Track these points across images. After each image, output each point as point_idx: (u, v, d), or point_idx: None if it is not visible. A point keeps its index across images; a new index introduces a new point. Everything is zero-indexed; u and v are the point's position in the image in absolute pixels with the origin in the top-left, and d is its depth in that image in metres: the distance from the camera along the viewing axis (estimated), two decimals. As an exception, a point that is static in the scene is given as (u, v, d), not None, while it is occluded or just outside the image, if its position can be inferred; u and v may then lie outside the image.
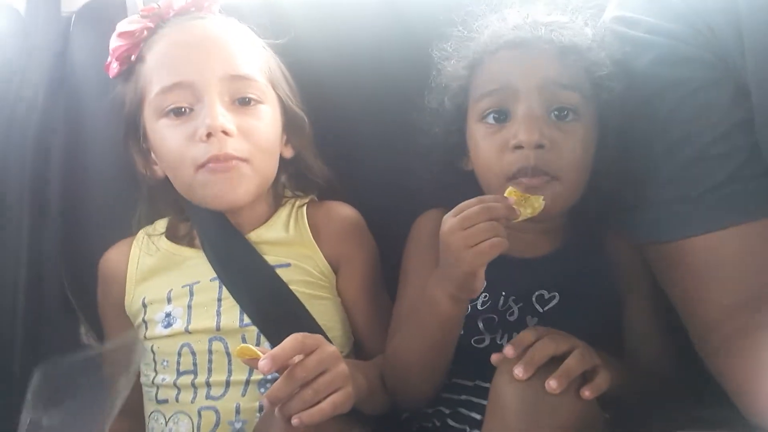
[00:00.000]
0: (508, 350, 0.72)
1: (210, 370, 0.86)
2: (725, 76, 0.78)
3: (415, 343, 0.81)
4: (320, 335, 0.78)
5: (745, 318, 0.75)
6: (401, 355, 0.83)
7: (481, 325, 0.83)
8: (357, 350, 0.93)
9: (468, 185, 0.86)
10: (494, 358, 0.74)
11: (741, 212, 0.78)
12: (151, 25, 0.91)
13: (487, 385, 0.76)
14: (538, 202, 0.76)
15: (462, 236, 0.71)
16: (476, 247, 0.71)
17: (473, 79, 0.84)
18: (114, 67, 0.92)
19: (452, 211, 0.74)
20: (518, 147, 0.78)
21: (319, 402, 0.71)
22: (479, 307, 0.83)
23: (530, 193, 0.76)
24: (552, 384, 0.68)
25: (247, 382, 0.85)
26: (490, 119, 0.82)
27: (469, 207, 0.73)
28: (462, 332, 0.82)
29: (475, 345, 0.84)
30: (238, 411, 0.84)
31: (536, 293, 0.84)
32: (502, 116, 0.81)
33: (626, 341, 0.87)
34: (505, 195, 0.75)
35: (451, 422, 0.82)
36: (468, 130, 0.85)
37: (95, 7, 1.06)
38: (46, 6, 1.06)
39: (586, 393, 0.70)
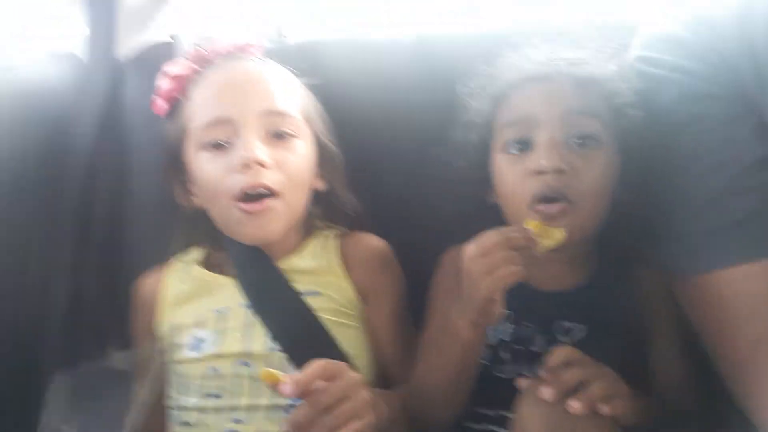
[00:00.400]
0: (543, 373, 0.72)
1: (235, 394, 0.87)
2: (747, 112, 0.79)
3: (437, 370, 0.82)
4: (344, 363, 0.79)
5: None
6: (424, 381, 0.84)
7: (505, 355, 0.84)
8: (381, 380, 0.93)
9: (493, 219, 0.87)
10: (521, 381, 0.74)
11: (766, 246, 0.77)
12: (197, 68, 0.96)
13: (509, 414, 0.75)
14: (559, 233, 0.77)
15: (481, 263, 0.73)
16: (494, 273, 0.73)
17: (497, 113, 0.87)
18: (161, 106, 0.98)
19: (475, 240, 0.76)
20: (540, 172, 0.80)
21: (339, 429, 0.71)
22: (504, 338, 0.84)
23: (549, 221, 0.78)
24: (574, 404, 0.68)
25: (272, 408, 0.86)
26: (513, 149, 0.84)
27: (490, 237, 0.75)
28: (486, 362, 0.83)
29: (499, 375, 0.84)
30: None
31: (560, 325, 0.84)
32: (525, 146, 0.83)
33: (652, 376, 0.86)
34: (525, 226, 0.77)
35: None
36: (493, 163, 0.87)
37: (148, 53, 1.14)
38: (104, 51, 1.13)
39: (604, 408, 0.69)
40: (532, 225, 0.77)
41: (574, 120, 0.81)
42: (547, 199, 0.80)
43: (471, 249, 0.75)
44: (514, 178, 0.83)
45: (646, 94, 0.84)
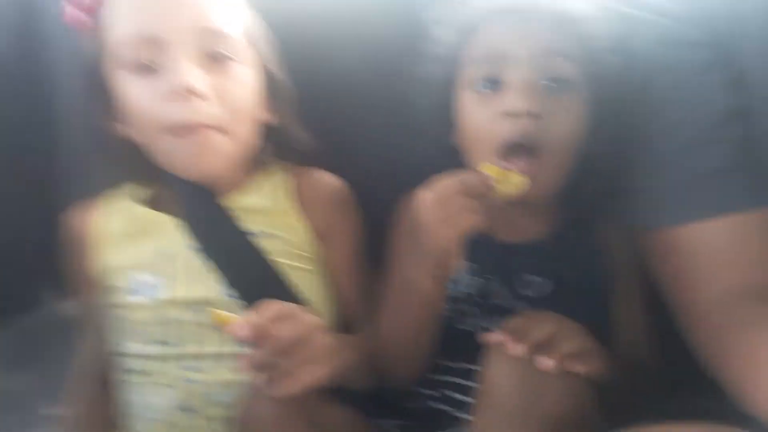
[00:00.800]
0: (501, 334, 0.70)
1: (182, 341, 0.82)
2: (725, 63, 0.78)
3: (396, 323, 0.80)
4: (300, 306, 0.75)
5: (736, 309, 0.75)
6: (385, 334, 0.82)
7: (466, 307, 0.82)
8: (341, 325, 0.90)
9: (456, 161, 0.83)
10: (487, 336, 0.72)
11: (735, 202, 0.77)
12: None
13: (472, 367, 0.75)
14: (519, 179, 0.74)
15: (437, 212, 0.71)
16: (450, 222, 0.70)
17: (464, 46, 0.81)
18: (75, 16, 0.84)
19: (429, 187, 0.72)
20: (510, 114, 0.76)
21: (299, 373, 0.68)
22: (464, 290, 0.82)
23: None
24: (545, 362, 0.67)
25: (222, 356, 0.82)
26: (482, 87, 0.79)
27: (446, 183, 0.71)
28: (449, 315, 0.81)
29: (460, 327, 0.82)
30: (223, 384, 0.81)
31: (522, 277, 0.83)
32: (494, 85, 0.78)
33: (614, 332, 0.86)
34: (484, 171, 0.73)
35: (435, 405, 0.81)
36: (457, 101, 0.82)
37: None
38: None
39: (578, 366, 0.69)
40: (490, 170, 0.74)
41: (548, 60, 0.77)
42: (515, 150, 0.76)
43: (426, 196, 0.72)
44: (481, 119, 0.78)
45: (623, 34, 0.80)
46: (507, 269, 0.82)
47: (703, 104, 0.78)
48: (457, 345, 0.81)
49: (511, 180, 0.74)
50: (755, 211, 0.77)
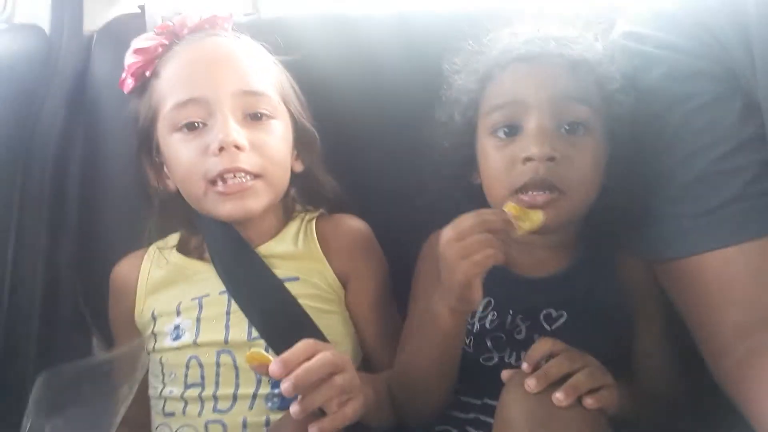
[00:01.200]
0: (526, 367, 0.72)
1: (217, 384, 0.86)
2: (734, 90, 0.78)
3: (419, 358, 0.81)
4: (329, 344, 0.78)
5: (758, 337, 0.73)
6: (407, 370, 0.83)
7: (489, 343, 0.83)
8: (365, 365, 0.93)
9: (477, 200, 0.86)
10: (505, 374, 0.74)
11: (752, 229, 0.76)
12: (165, 42, 0.92)
13: (494, 403, 0.75)
14: (537, 216, 0.76)
15: (457, 247, 0.72)
16: (470, 257, 0.71)
17: (483, 93, 0.84)
18: (129, 83, 0.94)
19: (451, 224, 0.74)
20: (529, 160, 0.78)
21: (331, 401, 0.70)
22: (487, 326, 0.83)
23: (535, 206, 0.77)
24: (559, 396, 0.68)
25: (254, 396, 0.85)
26: (501, 133, 0.81)
27: (465, 220, 0.73)
28: (471, 350, 0.82)
29: (484, 363, 0.83)
30: (245, 425, 0.84)
31: (544, 312, 0.83)
32: (513, 130, 0.80)
33: (636, 362, 0.86)
34: (504, 209, 0.75)
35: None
36: (478, 144, 0.85)
37: (117, 25, 1.09)
38: (70, 24, 1.09)
39: (589, 401, 0.69)
40: (510, 208, 0.76)
41: (564, 105, 0.79)
42: (534, 188, 0.78)
43: (446, 233, 0.74)
44: (500, 163, 0.80)
45: (633, 71, 0.82)
46: (529, 304, 0.83)
47: (716, 135, 0.78)
48: (480, 381, 0.81)
49: (530, 217, 0.76)
50: None
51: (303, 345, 0.72)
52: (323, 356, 0.71)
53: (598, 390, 0.71)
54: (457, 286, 0.73)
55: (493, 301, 0.82)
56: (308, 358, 0.70)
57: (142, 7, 1.07)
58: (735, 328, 0.76)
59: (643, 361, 0.85)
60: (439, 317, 0.77)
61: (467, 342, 0.83)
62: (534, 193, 0.78)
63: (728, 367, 0.76)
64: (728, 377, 0.76)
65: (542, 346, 0.73)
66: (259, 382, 0.85)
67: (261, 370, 0.72)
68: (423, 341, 0.80)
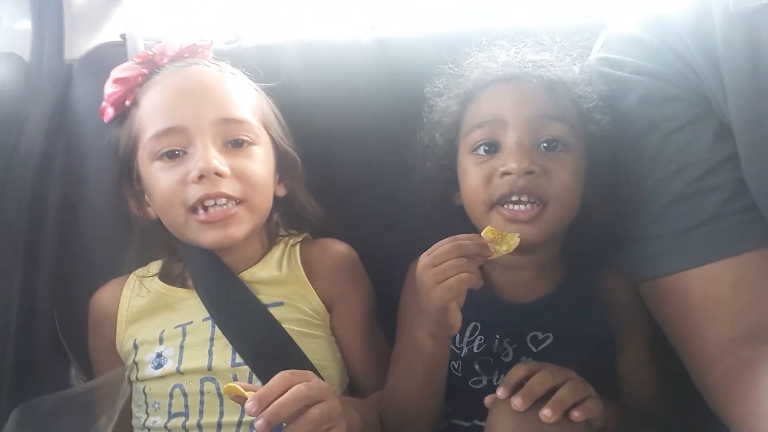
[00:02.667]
0: (501, 391, 0.72)
1: (201, 412, 0.85)
2: (708, 113, 0.80)
3: (405, 384, 0.81)
4: (309, 371, 0.77)
5: (742, 352, 0.75)
6: (394, 396, 0.83)
7: (477, 367, 0.84)
8: (352, 389, 0.92)
9: (460, 222, 0.87)
10: (488, 400, 0.75)
11: (730, 245, 0.78)
12: (145, 71, 0.92)
13: (483, 424, 0.75)
14: (513, 239, 0.77)
15: (432, 273, 0.73)
16: (445, 282, 0.72)
17: (464, 113, 0.86)
18: (109, 112, 0.93)
19: (428, 250, 0.75)
20: (507, 174, 0.79)
21: None
22: (475, 350, 0.84)
23: (515, 221, 0.79)
24: (546, 413, 0.69)
25: (239, 424, 0.84)
26: (481, 150, 0.83)
27: (440, 245, 0.75)
28: (459, 374, 0.83)
29: (473, 386, 0.83)
30: None
31: (530, 334, 0.84)
32: (492, 148, 0.82)
33: (621, 379, 0.86)
34: (483, 234, 0.77)
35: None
36: (459, 164, 0.86)
37: (98, 54, 1.10)
38: (50, 53, 1.09)
39: (575, 414, 0.70)
40: (487, 231, 0.77)
41: (542, 123, 0.81)
42: (514, 201, 0.79)
43: (423, 259, 0.75)
44: (480, 177, 0.82)
45: (610, 95, 0.84)
46: (515, 328, 0.84)
47: (692, 156, 0.80)
48: (469, 404, 0.81)
49: (507, 240, 0.77)
50: (749, 252, 0.78)
51: (278, 379, 0.71)
52: (296, 390, 0.70)
53: (582, 402, 0.71)
54: (434, 311, 0.74)
55: (479, 326, 0.83)
56: (283, 392, 0.70)
57: (123, 36, 1.07)
58: (718, 343, 0.77)
59: (627, 378, 0.86)
60: (421, 343, 0.78)
61: (456, 366, 0.83)
62: (515, 207, 0.79)
63: (713, 382, 0.77)
64: (714, 392, 0.77)
65: (518, 371, 0.73)
66: (243, 410, 0.82)
67: (239, 401, 0.72)
68: (408, 367, 0.81)
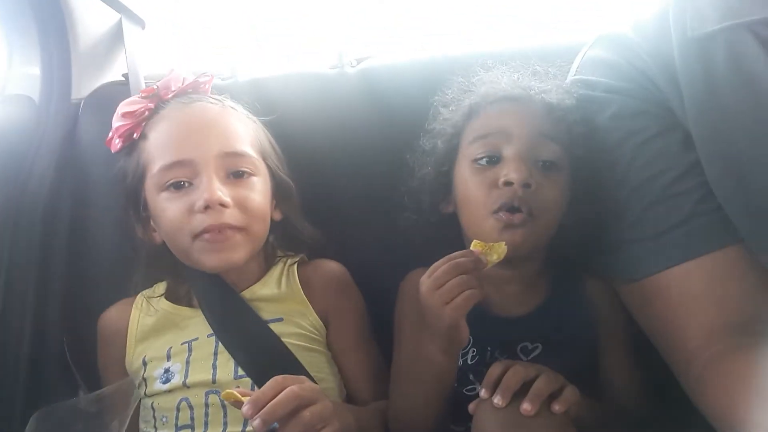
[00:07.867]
0: (484, 393, 0.76)
1: (206, 424, 0.89)
2: (674, 124, 0.85)
3: (415, 398, 0.85)
4: (302, 376, 0.82)
5: (722, 343, 0.79)
6: (403, 409, 0.87)
7: (471, 376, 0.88)
8: (348, 401, 0.96)
9: (449, 234, 0.92)
10: (471, 406, 0.78)
11: (704, 244, 0.83)
12: (151, 105, 0.98)
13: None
14: (501, 248, 0.81)
15: (437, 295, 0.77)
16: (452, 302, 0.76)
17: (468, 125, 0.91)
18: (116, 143, 0.98)
19: (426, 273, 0.79)
20: (508, 184, 0.84)
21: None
22: (469, 362, 0.89)
23: (509, 229, 0.83)
24: (526, 407, 0.72)
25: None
26: (482, 161, 0.87)
27: (439, 267, 0.78)
28: (455, 384, 0.86)
29: (467, 393, 0.88)
30: None
31: (520, 345, 0.88)
32: (493, 160, 0.87)
33: (603, 381, 0.90)
34: (471, 249, 0.81)
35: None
36: (457, 171, 0.91)
37: (102, 92, 1.16)
38: (58, 93, 1.15)
39: (556, 407, 0.73)
40: (475, 245, 0.81)
41: (541, 142, 0.86)
42: (511, 209, 0.84)
43: (426, 283, 0.79)
44: (480, 186, 0.86)
45: (586, 114, 0.90)
46: (506, 339, 0.88)
47: (663, 163, 0.85)
48: (462, 409, 0.83)
49: (495, 250, 0.81)
50: (722, 249, 0.82)
51: (272, 382, 0.76)
52: (290, 391, 0.75)
53: (560, 392, 0.75)
54: (445, 329, 0.78)
55: (472, 339, 0.86)
56: (277, 395, 0.75)
57: (126, 75, 1.14)
58: (698, 337, 0.81)
59: (609, 378, 0.90)
60: (433, 359, 0.81)
61: None
62: (511, 214, 0.83)
63: (694, 374, 0.80)
64: (694, 383, 0.81)
65: (494, 371, 0.77)
66: (246, 421, 0.87)
67: (237, 406, 0.77)
68: (419, 383, 0.84)
